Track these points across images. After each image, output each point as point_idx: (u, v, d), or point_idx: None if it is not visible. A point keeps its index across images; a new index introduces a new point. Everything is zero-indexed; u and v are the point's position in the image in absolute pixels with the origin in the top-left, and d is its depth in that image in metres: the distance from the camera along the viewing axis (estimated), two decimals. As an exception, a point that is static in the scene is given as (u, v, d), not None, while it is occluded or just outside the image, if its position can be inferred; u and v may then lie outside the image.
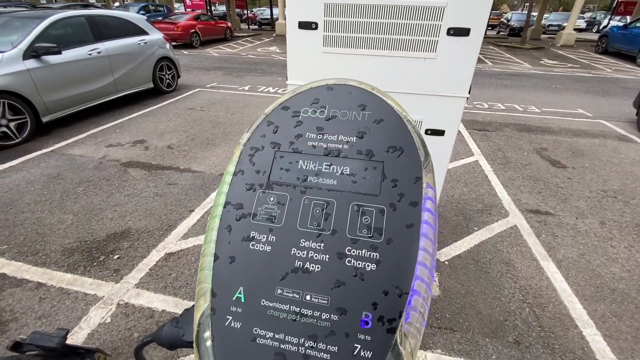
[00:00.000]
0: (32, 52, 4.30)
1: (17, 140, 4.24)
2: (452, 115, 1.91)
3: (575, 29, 17.15)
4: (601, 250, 2.66)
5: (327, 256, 0.45)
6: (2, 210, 2.96)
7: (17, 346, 0.59)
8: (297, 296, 0.44)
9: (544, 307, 2.15)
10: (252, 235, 0.49)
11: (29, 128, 4.34)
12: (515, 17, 21.38)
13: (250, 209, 0.51)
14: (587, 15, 31.83)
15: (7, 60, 4.07)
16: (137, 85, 6.12)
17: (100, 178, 3.54)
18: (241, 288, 0.45)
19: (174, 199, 3.20)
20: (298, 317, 0.43)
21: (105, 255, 2.49)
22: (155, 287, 2.22)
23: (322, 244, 0.46)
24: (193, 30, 13.96)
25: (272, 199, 0.51)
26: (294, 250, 0.47)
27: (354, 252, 0.45)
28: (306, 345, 0.41)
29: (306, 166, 0.52)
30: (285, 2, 1.83)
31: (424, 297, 0.42)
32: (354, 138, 0.53)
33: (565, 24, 18.00)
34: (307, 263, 0.46)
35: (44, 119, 4.54)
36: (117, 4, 25.41)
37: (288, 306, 0.44)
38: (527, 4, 20.01)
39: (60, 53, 4.60)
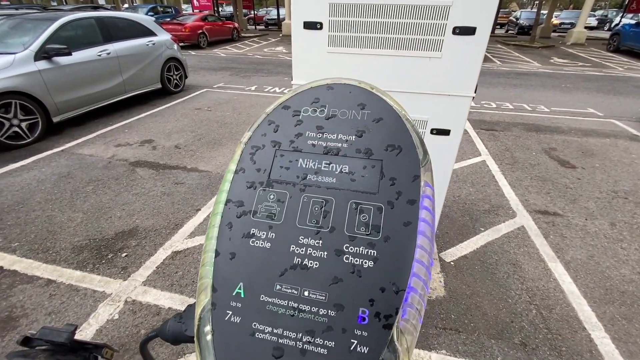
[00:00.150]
0: (43, 54, 4.39)
1: (29, 140, 4.33)
2: (457, 115, 1.90)
3: (586, 27, 16.86)
4: (611, 251, 2.61)
5: (325, 253, 0.46)
6: (14, 208, 3.02)
7: (26, 341, 0.60)
8: (295, 292, 0.45)
9: (551, 309, 2.12)
10: (252, 232, 0.49)
11: (40, 128, 4.43)
12: (524, 16, 21.09)
13: (250, 206, 0.51)
14: (599, 13, 31.26)
15: (19, 61, 4.16)
16: (145, 85, 6.20)
17: (109, 177, 3.60)
18: (241, 284, 0.46)
19: (181, 198, 3.24)
20: (296, 312, 0.43)
21: (114, 253, 2.53)
22: (162, 285, 2.25)
23: (321, 241, 0.47)
24: (200, 31, 14.08)
25: (272, 196, 0.51)
26: (292, 247, 0.47)
27: (351, 249, 0.46)
28: (304, 340, 0.42)
29: (306, 164, 0.53)
30: (290, 2, 1.84)
31: (420, 294, 0.42)
32: (353, 137, 0.53)
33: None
34: (306, 260, 0.46)
35: (55, 119, 4.62)
36: (126, 5, 25.74)
37: (286, 302, 0.44)
38: (537, 1, 19.74)
39: (71, 54, 4.69)
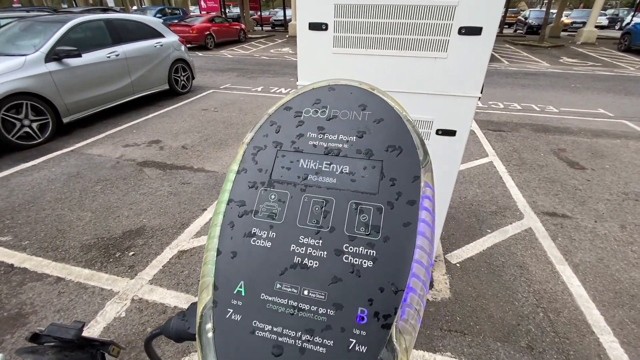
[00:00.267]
0: (53, 55, 4.47)
1: (39, 140, 4.41)
2: (463, 115, 1.88)
3: (596, 26, 16.59)
4: (621, 254, 2.57)
5: (325, 253, 0.46)
6: (24, 207, 3.08)
7: (35, 337, 0.61)
8: (295, 291, 0.45)
9: (559, 312, 2.09)
10: (253, 231, 0.50)
11: (50, 128, 4.51)
12: (533, 15, 20.84)
13: (252, 206, 0.52)
14: (609, 12, 30.76)
15: (30, 63, 4.24)
16: (153, 86, 6.27)
17: (117, 177, 3.65)
18: (242, 282, 0.47)
19: (187, 198, 3.27)
20: (296, 311, 0.44)
21: (121, 251, 2.56)
22: (168, 284, 2.27)
23: (321, 241, 0.47)
24: (208, 32, 14.19)
25: (273, 196, 0.52)
26: (293, 247, 0.48)
27: (351, 249, 0.46)
28: (303, 338, 0.42)
29: (307, 165, 0.53)
30: (296, 3, 1.85)
31: (419, 294, 0.42)
32: (354, 137, 0.54)
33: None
34: (306, 259, 0.46)
35: (65, 120, 4.71)
36: (135, 7, 26.07)
37: (286, 300, 0.45)
38: (546, 1, 19.50)
39: (81, 56, 4.77)
